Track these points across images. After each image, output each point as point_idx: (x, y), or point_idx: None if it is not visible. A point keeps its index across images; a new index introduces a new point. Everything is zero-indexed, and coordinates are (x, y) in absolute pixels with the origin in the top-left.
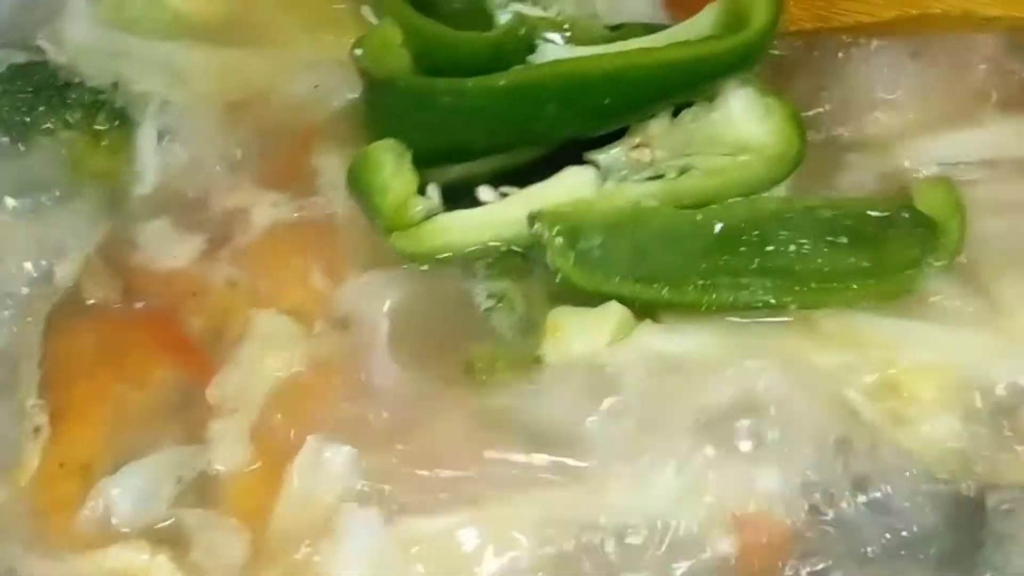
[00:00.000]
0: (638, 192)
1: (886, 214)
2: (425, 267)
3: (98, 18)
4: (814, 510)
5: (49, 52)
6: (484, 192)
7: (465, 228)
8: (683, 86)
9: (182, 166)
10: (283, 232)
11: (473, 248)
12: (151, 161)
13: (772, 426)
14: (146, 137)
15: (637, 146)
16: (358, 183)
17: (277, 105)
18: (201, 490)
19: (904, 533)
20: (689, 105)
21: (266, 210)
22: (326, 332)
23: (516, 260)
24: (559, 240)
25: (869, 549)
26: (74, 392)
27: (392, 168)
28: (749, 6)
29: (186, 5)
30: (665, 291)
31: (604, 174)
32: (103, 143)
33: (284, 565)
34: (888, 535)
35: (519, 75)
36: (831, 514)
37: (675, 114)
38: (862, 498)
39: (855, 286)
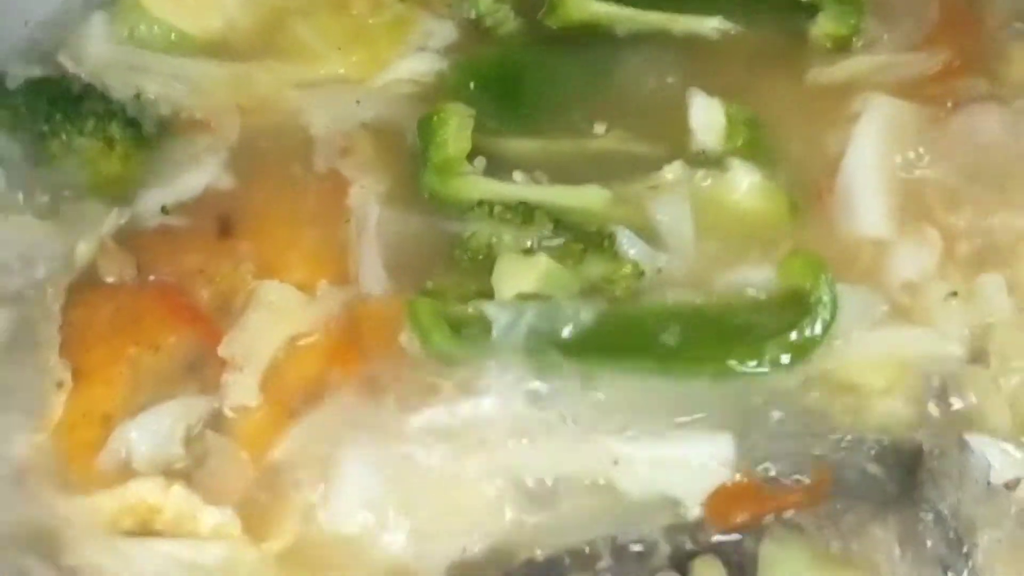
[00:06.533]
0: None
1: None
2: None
3: (115, 36)
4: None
5: (68, 67)
6: (517, 175)
7: (490, 195)
8: None
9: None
10: (284, 208)
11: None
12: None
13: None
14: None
15: (652, 186)
16: (424, 129)
17: (284, 113)
18: (215, 427)
19: (854, 482)
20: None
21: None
22: (328, 292)
23: (509, 215)
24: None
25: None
26: (93, 354)
27: (455, 128)
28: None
29: (189, 24)
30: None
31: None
32: (116, 149)
33: (286, 494)
34: (839, 484)
35: None
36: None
37: None
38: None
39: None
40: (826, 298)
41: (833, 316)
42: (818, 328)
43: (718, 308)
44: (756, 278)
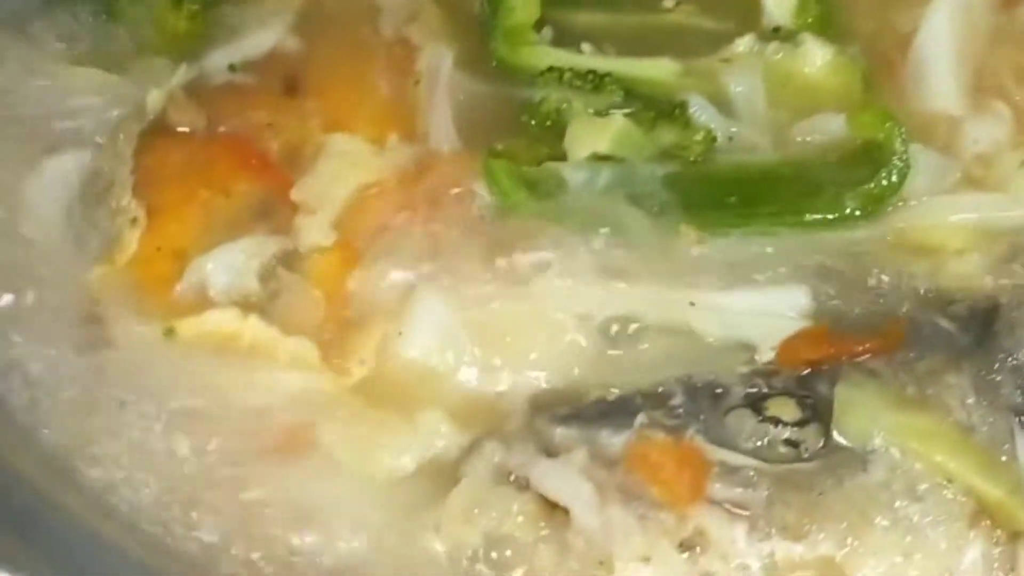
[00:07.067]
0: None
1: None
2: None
3: None
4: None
5: None
6: (585, 47)
7: (559, 63)
8: None
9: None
10: (351, 70)
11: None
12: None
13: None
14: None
15: (724, 59)
16: None
17: None
18: (288, 266)
19: (928, 335)
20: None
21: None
22: (398, 146)
23: (579, 82)
24: None
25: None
26: (165, 194)
27: None
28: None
29: None
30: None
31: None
32: (182, 8)
33: (363, 327)
34: (913, 336)
35: None
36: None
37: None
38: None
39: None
40: (900, 147)
41: (908, 165)
42: (895, 177)
43: (794, 164)
44: (830, 131)
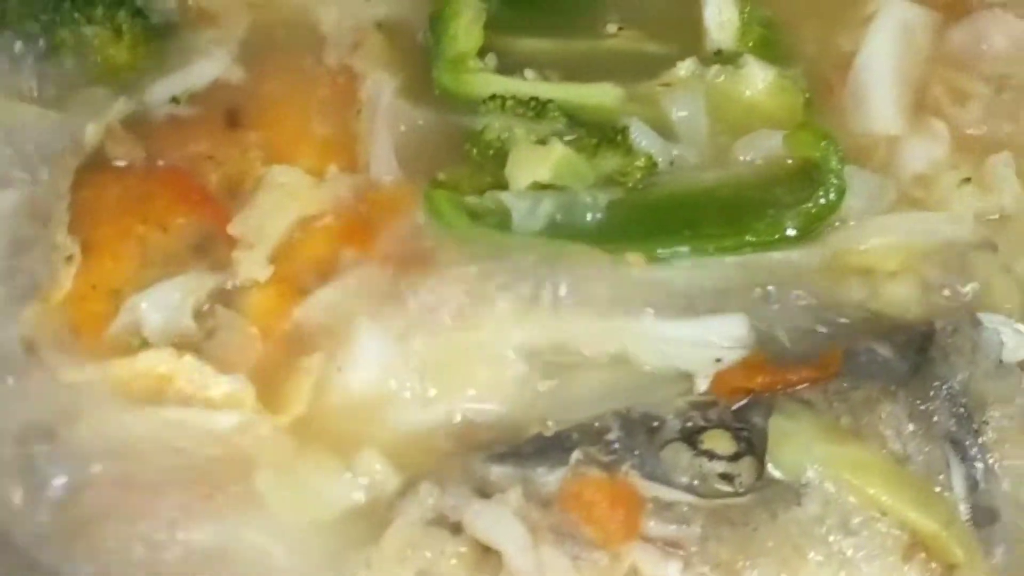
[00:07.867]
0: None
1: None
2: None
3: None
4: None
5: None
6: (528, 73)
7: (502, 90)
8: None
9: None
10: (294, 100)
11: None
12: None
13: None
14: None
15: (665, 84)
16: (436, 23)
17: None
18: (225, 303)
19: (864, 362)
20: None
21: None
22: (338, 177)
23: (521, 109)
24: None
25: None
26: (101, 230)
27: (467, 22)
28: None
29: None
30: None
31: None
32: (124, 39)
33: (299, 365)
34: (849, 364)
35: None
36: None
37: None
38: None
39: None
40: (837, 165)
41: (843, 181)
42: (832, 195)
43: (734, 186)
44: (768, 149)
